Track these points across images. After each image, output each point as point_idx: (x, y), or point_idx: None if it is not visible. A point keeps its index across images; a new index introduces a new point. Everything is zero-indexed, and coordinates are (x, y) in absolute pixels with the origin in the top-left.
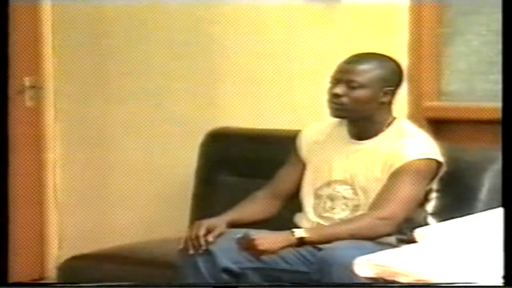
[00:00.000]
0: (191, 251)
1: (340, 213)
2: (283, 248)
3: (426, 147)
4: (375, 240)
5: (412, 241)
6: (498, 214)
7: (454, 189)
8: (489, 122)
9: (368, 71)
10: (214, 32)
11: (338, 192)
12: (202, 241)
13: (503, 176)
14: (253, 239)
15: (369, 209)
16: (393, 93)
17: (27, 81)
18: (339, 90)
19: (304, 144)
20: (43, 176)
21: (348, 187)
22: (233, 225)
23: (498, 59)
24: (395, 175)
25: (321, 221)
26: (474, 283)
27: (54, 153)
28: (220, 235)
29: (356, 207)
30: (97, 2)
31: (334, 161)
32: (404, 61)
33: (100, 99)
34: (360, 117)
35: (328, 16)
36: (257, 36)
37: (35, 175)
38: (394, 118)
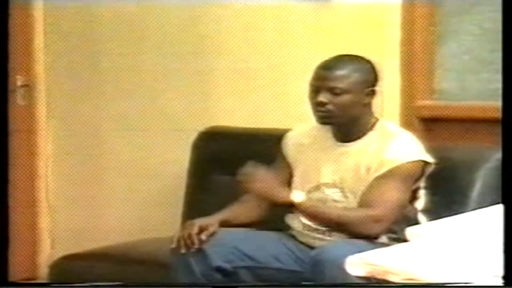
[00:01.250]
0: (184, 250)
1: None
2: (274, 199)
3: (411, 149)
4: (358, 236)
5: (404, 240)
6: (490, 213)
7: (446, 188)
8: (481, 121)
9: (348, 76)
10: (206, 30)
11: (328, 195)
12: (195, 240)
13: (503, 175)
14: (254, 177)
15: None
16: (373, 93)
17: (19, 79)
18: (323, 98)
19: (290, 147)
20: (35, 175)
21: (337, 190)
22: (225, 224)
23: (490, 58)
24: (383, 178)
25: (312, 224)
26: (474, 283)
27: (46, 151)
28: (212, 234)
29: None
30: (89, 0)
31: (322, 164)
32: (396, 60)
33: (92, 98)
34: (346, 121)
35: (320, 14)
36: (249, 35)
37: (27, 174)
38: (377, 119)
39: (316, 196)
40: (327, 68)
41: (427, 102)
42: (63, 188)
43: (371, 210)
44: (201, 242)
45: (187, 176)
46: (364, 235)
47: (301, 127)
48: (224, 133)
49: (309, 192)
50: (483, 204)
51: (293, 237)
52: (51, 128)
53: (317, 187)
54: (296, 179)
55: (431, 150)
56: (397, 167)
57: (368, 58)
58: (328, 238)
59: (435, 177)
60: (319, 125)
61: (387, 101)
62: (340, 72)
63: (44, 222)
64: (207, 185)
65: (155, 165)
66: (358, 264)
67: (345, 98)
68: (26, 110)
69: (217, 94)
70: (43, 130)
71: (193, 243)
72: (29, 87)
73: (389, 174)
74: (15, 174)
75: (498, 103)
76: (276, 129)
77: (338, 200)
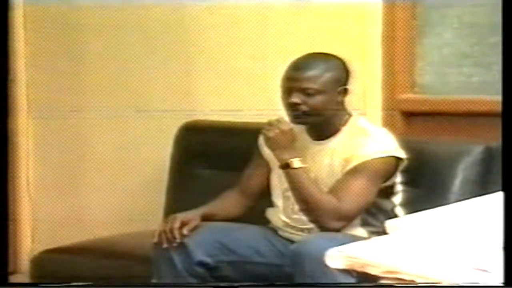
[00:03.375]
0: (165, 245)
1: None
2: (279, 156)
3: (381, 145)
4: (319, 226)
5: (383, 232)
6: (469, 206)
7: (427, 181)
8: (462, 114)
9: (320, 76)
10: (187, 27)
11: None
12: (177, 235)
13: (503, 175)
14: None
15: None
16: (346, 91)
17: None
18: (296, 99)
19: (267, 152)
20: (16, 169)
21: None
22: (207, 219)
23: (471, 51)
24: (351, 173)
25: (290, 222)
26: (474, 283)
27: (27, 145)
28: (194, 228)
29: None
30: None
31: (297, 163)
32: (377, 54)
33: (73, 91)
34: (320, 121)
35: (302, 11)
36: (231, 31)
37: (8, 167)
38: (350, 115)
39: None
40: (298, 68)
41: (408, 96)
42: (44, 182)
43: (337, 203)
44: (182, 236)
45: (169, 170)
46: (324, 226)
47: None
48: (205, 127)
49: (286, 190)
50: (463, 197)
51: (274, 231)
52: (32, 122)
53: None
54: (273, 176)
55: (412, 143)
56: (365, 163)
57: (339, 56)
58: (306, 234)
59: (415, 170)
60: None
61: (369, 95)
62: (311, 73)
63: (25, 215)
64: (188, 178)
65: (136, 158)
66: (337, 257)
67: (318, 98)
68: None
69: (199, 89)
70: (23, 124)
71: (174, 238)
72: (9, 81)
73: (357, 170)
74: None
75: (479, 96)
76: (257, 123)
77: None
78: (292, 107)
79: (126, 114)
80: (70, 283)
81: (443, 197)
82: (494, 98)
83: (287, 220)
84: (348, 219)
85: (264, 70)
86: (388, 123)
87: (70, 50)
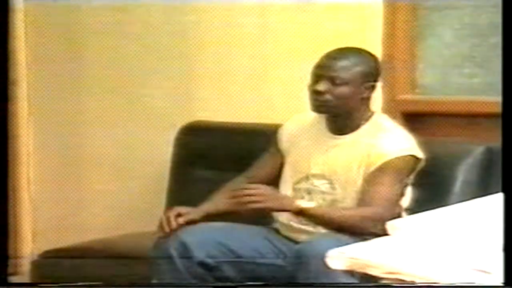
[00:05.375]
0: (162, 234)
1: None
2: (278, 210)
3: (404, 144)
4: (359, 235)
5: (384, 233)
6: (469, 207)
7: (427, 182)
8: (463, 116)
9: (350, 67)
10: (189, 27)
11: (316, 186)
12: (173, 223)
13: (503, 174)
14: (249, 191)
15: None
16: (373, 87)
17: None
18: (321, 87)
19: (285, 137)
20: (17, 170)
21: (326, 181)
22: (208, 216)
23: (471, 52)
24: (377, 174)
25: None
26: (474, 283)
27: (28, 147)
28: (192, 222)
29: (333, 201)
30: None
31: (313, 155)
32: (378, 55)
33: (73, 94)
34: (342, 113)
35: (302, 12)
36: (232, 32)
37: (9, 170)
38: (373, 113)
39: (304, 186)
40: (330, 57)
41: (409, 97)
42: (45, 182)
43: (372, 209)
44: (179, 225)
45: (170, 171)
46: (365, 234)
47: (298, 117)
48: (206, 127)
49: (297, 182)
50: (464, 198)
51: (276, 231)
52: (32, 124)
53: (306, 178)
54: (287, 169)
55: None
56: (389, 162)
57: (372, 53)
58: (312, 230)
59: (416, 172)
60: (314, 117)
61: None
62: (342, 63)
63: (26, 217)
64: (189, 179)
65: (137, 160)
66: (338, 257)
67: (344, 89)
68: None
69: (200, 90)
70: (24, 125)
71: (170, 226)
72: (10, 83)
73: (383, 170)
74: None
75: (479, 97)
76: (258, 124)
77: (326, 192)
78: (317, 95)
79: (127, 115)
80: (69, 283)
81: (444, 198)
82: (495, 99)
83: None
84: (383, 220)
85: (265, 71)
86: None
87: (71, 52)
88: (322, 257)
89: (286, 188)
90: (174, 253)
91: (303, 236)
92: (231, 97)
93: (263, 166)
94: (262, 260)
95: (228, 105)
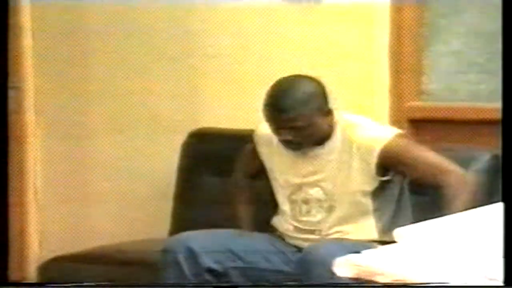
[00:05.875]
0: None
1: (317, 215)
2: None
3: (384, 127)
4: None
5: (391, 241)
6: (477, 214)
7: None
8: (469, 122)
9: (305, 111)
10: (195, 32)
11: (311, 195)
12: None
13: (503, 175)
14: None
15: (438, 185)
16: (330, 111)
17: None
18: (288, 137)
19: (262, 143)
20: (24, 176)
21: (319, 188)
22: None
23: (478, 59)
24: (404, 155)
25: (299, 225)
26: (474, 283)
27: (35, 152)
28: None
29: (330, 207)
30: (78, 1)
31: (299, 165)
32: (385, 61)
33: (81, 99)
34: (309, 140)
35: (309, 16)
36: (238, 37)
37: (16, 176)
38: (337, 120)
39: (301, 196)
40: (280, 109)
41: (416, 103)
42: (51, 189)
43: (446, 179)
44: None
45: (176, 177)
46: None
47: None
48: (213, 134)
49: (292, 193)
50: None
51: (281, 238)
52: (39, 132)
53: (299, 188)
54: (276, 186)
55: None
56: (388, 146)
57: (315, 79)
58: (315, 237)
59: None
60: None
61: (377, 102)
62: (296, 111)
63: (33, 223)
64: (196, 186)
65: (144, 166)
66: (345, 265)
67: (309, 129)
68: (15, 112)
69: (206, 96)
70: (31, 130)
71: None
72: (17, 89)
73: (400, 151)
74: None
75: (486, 104)
76: None
77: (322, 199)
78: (284, 142)
79: (134, 122)
80: (72, 283)
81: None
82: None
83: (296, 223)
84: (456, 173)
85: (272, 75)
86: None
87: (78, 57)
88: (325, 263)
89: (282, 199)
90: (181, 259)
91: (309, 240)
92: (238, 103)
93: (247, 168)
94: (268, 266)
95: (235, 112)
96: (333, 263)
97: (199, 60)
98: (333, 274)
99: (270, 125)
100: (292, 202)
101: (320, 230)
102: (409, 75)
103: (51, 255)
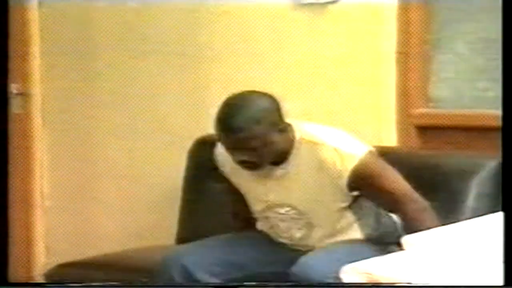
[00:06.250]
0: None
1: (298, 232)
2: None
3: (353, 141)
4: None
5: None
6: (485, 221)
7: (440, 196)
8: (477, 129)
9: (259, 129)
10: (202, 38)
11: (283, 214)
12: None
13: (503, 177)
14: None
15: (400, 212)
16: (284, 127)
17: (14, 88)
18: (242, 157)
19: (222, 161)
20: (30, 182)
21: (289, 208)
22: None
23: (486, 66)
24: (370, 179)
25: (284, 241)
26: (474, 283)
27: (41, 159)
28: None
29: (309, 224)
30: (86, 7)
31: (263, 184)
32: (392, 68)
33: (87, 104)
34: (269, 160)
35: (316, 22)
36: (245, 43)
37: (23, 181)
38: (294, 132)
39: (272, 215)
40: (231, 130)
41: (423, 110)
42: (58, 195)
43: (407, 209)
44: None
45: (183, 184)
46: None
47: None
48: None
49: (262, 211)
50: (478, 212)
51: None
52: (47, 134)
53: (268, 207)
54: (245, 198)
55: (426, 157)
56: (365, 161)
57: (267, 94)
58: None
59: (429, 185)
60: None
61: (384, 109)
62: (248, 133)
63: (39, 229)
64: (203, 192)
65: (150, 172)
66: (352, 272)
67: (264, 149)
68: (22, 118)
69: (212, 103)
70: (38, 136)
71: None
72: (24, 95)
73: (365, 173)
74: (11, 181)
75: (494, 111)
76: None
77: (296, 218)
78: (240, 164)
79: (141, 128)
80: (71, 283)
81: (457, 211)
82: None
83: (279, 239)
84: (414, 199)
85: (279, 80)
86: (403, 137)
87: (85, 62)
88: (320, 276)
89: (255, 213)
90: (176, 276)
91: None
92: None
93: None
94: (270, 269)
95: None
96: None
97: (207, 67)
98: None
99: (223, 145)
100: (265, 219)
101: (306, 245)
102: (416, 82)
103: (58, 260)
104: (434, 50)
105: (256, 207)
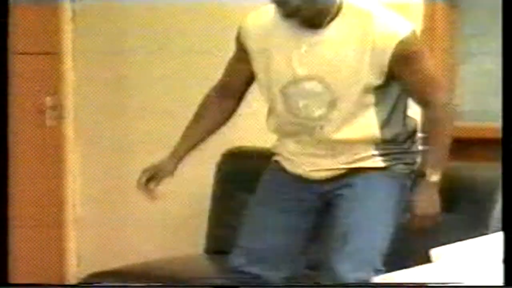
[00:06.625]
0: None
1: (317, 110)
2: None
3: (400, 20)
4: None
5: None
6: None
7: (467, 207)
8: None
9: None
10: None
11: (307, 89)
12: (146, 191)
13: (503, 177)
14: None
15: (422, 104)
16: None
17: (48, 101)
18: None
19: (251, 38)
20: (63, 194)
21: (316, 82)
22: (186, 153)
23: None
24: (410, 63)
25: (301, 121)
26: (474, 283)
27: (74, 171)
28: (163, 178)
29: (333, 101)
30: (118, 20)
31: (293, 55)
32: None
33: (119, 117)
34: (314, 10)
35: None
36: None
37: (55, 194)
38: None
39: (294, 91)
40: None
41: None
42: (90, 206)
43: (437, 100)
44: (151, 191)
45: (212, 196)
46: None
47: (257, 15)
48: (248, 153)
49: (285, 87)
50: None
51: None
52: (79, 148)
53: (294, 81)
54: (262, 73)
55: (450, 168)
56: (407, 40)
57: None
58: (320, 152)
59: (455, 197)
60: (275, 13)
61: None
62: None
63: (71, 239)
64: (231, 204)
65: (179, 184)
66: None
67: None
68: (55, 130)
69: (240, 115)
70: (70, 151)
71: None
72: (58, 108)
73: (406, 58)
74: (43, 194)
75: None
76: None
77: (320, 92)
78: (282, 3)
79: (171, 140)
80: (72, 284)
81: (484, 223)
82: None
83: (295, 119)
84: (448, 94)
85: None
86: None
87: (117, 76)
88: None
89: (271, 94)
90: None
91: (319, 166)
92: None
93: (236, 74)
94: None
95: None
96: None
97: None
98: None
99: None
100: (286, 96)
101: (321, 127)
102: None
103: (89, 271)
104: (458, 63)
105: (279, 82)
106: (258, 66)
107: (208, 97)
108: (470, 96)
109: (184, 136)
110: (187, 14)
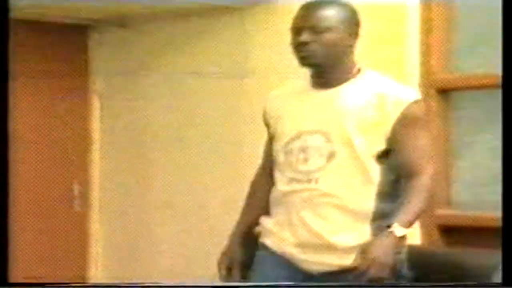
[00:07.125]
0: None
1: (315, 163)
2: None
3: (407, 88)
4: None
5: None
6: None
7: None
8: (495, 230)
9: (330, 15)
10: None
11: (310, 142)
12: (230, 278)
13: (503, 177)
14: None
15: (409, 171)
16: (356, 35)
17: (76, 188)
18: (305, 37)
19: (271, 116)
20: (88, 214)
21: (319, 135)
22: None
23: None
24: (410, 127)
25: (298, 176)
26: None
27: (99, 191)
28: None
29: (331, 154)
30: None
31: (302, 112)
32: None
33: (141, 141)
34: (329, 62)
35: None
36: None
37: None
38: (360, 68)
39: (296, 145)
40: (309, 8)
41: (445, 212)
42: (112, 227)
43: (425, 171)
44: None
45: None
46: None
47: (276, 92)
48: None
49: (288, 143)
50: None
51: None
52: (104, 171)
53: (297, 136)
54: (276, 134)
55: (450, 255)
56: (411, 108)
57: (349, 3)
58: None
59: (454, 281)
60: (295, 83)
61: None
62: (322, 11)
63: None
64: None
65: (207, 201)
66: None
67: (328, 36)
68: (81, 216)
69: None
70: (97, 174)
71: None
72: (85, 194)
73: (414, 122)
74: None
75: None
76: None
77: (321, 146)
78: (302, 46)
79: (193, 162)
80: (71, 283)
81: None
82: None
83: (293, 175)
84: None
85: None
86: (426, 237)
87: (139, 100)
88: None
89: (278, 151)
90: None
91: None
92: None
93: (265, 153)
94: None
95: None
96: None
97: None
98: None
99: (294, 35)
100: (287, 153)
101: (316, 179)
102: (439, 185)
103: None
104: (453, 157)
105: (283, 140)
106: (273, 132)
107: (254, 178)
108: (465, 187)
109: (241, 216)
110: None
